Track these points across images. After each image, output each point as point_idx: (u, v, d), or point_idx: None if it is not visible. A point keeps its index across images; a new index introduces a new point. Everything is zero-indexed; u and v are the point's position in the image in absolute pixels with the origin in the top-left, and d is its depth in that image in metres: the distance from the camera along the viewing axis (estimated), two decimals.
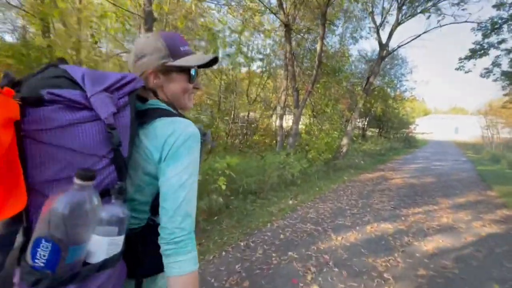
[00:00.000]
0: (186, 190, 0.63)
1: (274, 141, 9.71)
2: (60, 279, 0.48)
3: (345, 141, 8.31)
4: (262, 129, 11.12)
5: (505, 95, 18.62)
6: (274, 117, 11.45)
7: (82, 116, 0.54)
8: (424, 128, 24.73)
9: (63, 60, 0.64)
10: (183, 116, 0.71)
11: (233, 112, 9.69)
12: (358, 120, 18.57)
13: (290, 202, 4.35)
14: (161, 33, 0.74)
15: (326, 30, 6.71)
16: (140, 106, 0.70)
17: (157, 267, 0.67)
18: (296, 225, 3.43)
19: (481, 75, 7.27)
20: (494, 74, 7.11)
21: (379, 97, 16.18)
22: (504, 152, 14.46)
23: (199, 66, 0.77)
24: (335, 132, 8.95)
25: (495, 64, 6.92)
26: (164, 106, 0.71)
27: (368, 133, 18.96)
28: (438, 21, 7.24)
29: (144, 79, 0.71)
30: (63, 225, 0.47)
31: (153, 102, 0.72)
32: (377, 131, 19.08)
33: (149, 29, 3.20)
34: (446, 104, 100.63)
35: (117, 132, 0.56)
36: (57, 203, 0.48)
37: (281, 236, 3.08)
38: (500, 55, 6.74)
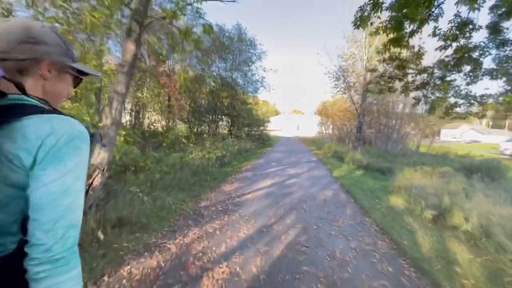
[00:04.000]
0: (71, 197, 0.52)
1: None
2: None
3: (102, 154, 3.07)
4: None
5: (332, 96, 20.94)
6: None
7: None
8: (275, 126, 25.52)
9: None
10: (64, 114, 0.57)
11: None
12: (220, 117, 14.50)
13: None
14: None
15: None
16: None
17: None
18: None
19: (354, 24, 4.10)
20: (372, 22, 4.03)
21: (227, 86, 12.68)
22: (340, 148, 14.84)
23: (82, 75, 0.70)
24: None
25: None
26: (34, 101, 0.56)
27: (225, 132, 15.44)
28: None
29: (27, 66, 0.57)
30: None
31: (17, 97, 0.55)
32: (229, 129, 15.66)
33: None
34: (290, 106, 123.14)
35: None
36: None
37: None
38: None
